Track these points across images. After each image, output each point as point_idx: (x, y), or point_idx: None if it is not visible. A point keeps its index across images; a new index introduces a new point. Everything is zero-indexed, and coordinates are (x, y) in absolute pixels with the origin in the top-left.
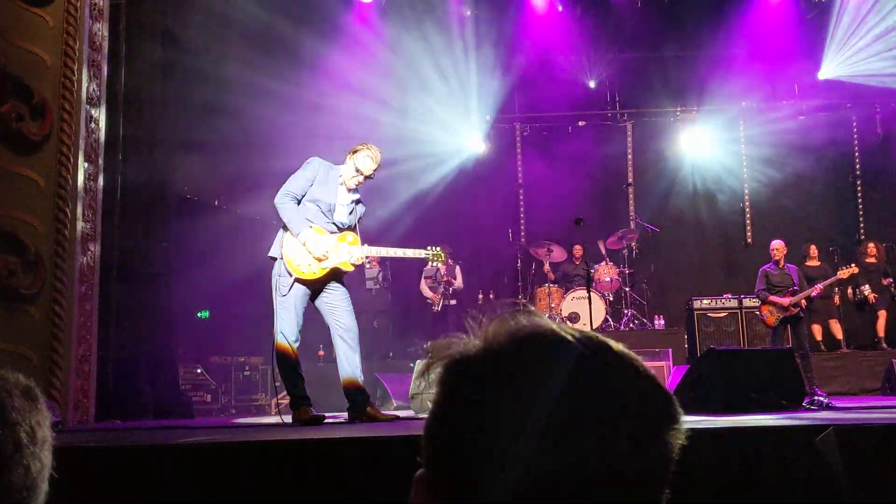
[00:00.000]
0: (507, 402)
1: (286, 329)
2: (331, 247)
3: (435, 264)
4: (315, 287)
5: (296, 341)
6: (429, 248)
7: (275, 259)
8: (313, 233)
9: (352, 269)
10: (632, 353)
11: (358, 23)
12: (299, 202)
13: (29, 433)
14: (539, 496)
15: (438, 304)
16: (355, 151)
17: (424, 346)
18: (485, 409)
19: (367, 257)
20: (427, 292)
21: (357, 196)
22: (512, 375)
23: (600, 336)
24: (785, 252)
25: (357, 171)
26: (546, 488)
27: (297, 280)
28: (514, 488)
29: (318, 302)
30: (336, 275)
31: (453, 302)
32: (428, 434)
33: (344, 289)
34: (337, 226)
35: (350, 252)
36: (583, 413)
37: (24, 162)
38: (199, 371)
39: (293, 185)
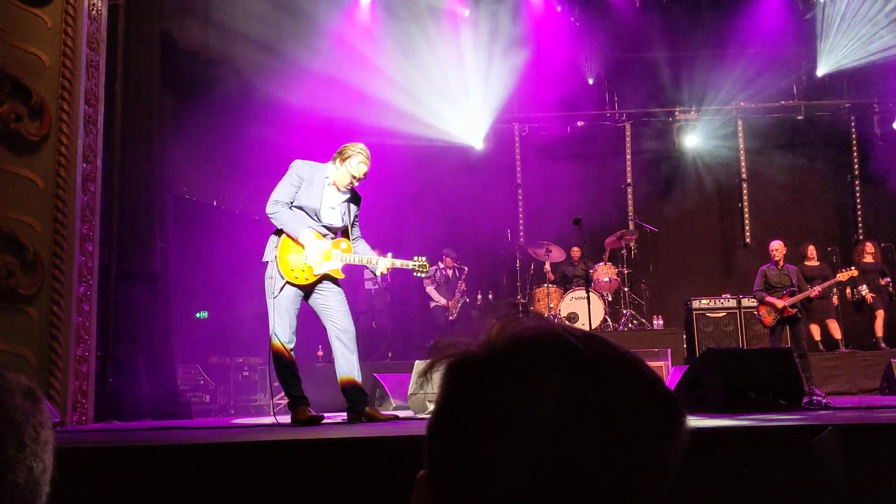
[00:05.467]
0: (509, 403)
1: (279, 331)
2: (324, 253)
3: (419, 275)
4: (307, 289)
5: (290, 342)
6: (415, 258)
7: (267, 263)
8: (313, 234)
9: (343, 276)
10: (636, 356)
11: (356, 23)
12: (290, 208)
13: (31, 433)
14: (541, 498)
15: (454, 311)
16: (347, 157)
17: (426, 344)
18: (487, 410)
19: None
20: (436, 296)
21: (348, 196)
22: (515, 377)
23: (604, 338)
24: (784, 252)
25: (353, 177)
26: (548, 490)
27: (288, 283)
28: (516, 490)
29: (312, 303)
30: (329, 276)
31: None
32: (430, 434)
33: (339, 289)
34: (328, 228)
35: (342, 258)
36: (585, 415)
37: (22, 162)
38: (197, 371)
39: (280, 192)
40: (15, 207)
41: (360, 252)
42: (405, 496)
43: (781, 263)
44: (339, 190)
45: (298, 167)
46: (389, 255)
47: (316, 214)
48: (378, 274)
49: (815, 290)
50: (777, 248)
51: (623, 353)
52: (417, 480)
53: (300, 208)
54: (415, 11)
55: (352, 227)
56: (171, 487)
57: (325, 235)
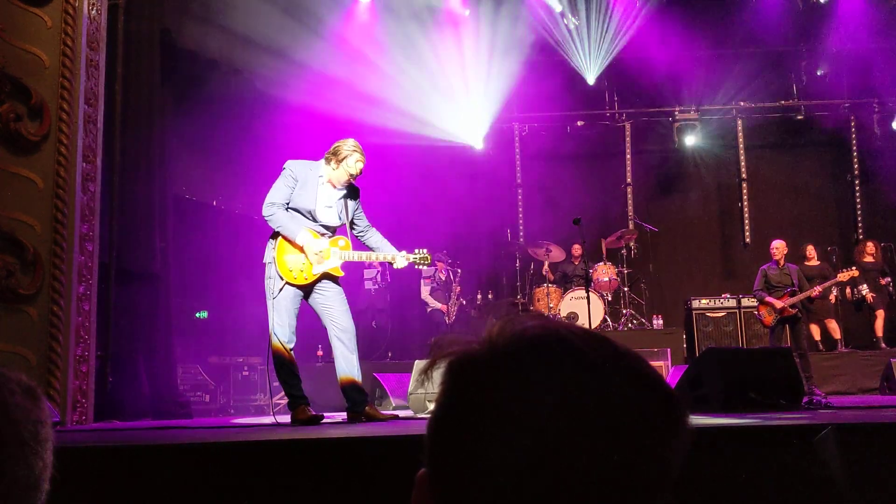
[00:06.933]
0: (509, 403)
1: (279, 331)
2: (323, 251)
3: (421, 267)
4: (307, 289)
5: (289, 342)
6: (416, 251)
7: (267, 264)
8: (310, 235)
9: (342, 273)
10: (637, 355)
11: (355, 23)
12: (286, 209)
13: (31, 431)
14: (541, 498)
15: (451, 314)
16: (343, 157)
17: (426, 344)
18: (487, 409)
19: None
20: (433, 301)
21: (344, 192)
22: (516, 377)
23: (606, 337)
24: (785, 252)
25: (351, 175)
26: (548, 490)
27: (288, 283)
28: (516, 489)
29: (312, 303)
30: (329, 275)
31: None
32: (430, 433)
33: (339, 288)
34: (325, 227)
35: (341, 256)
36: (586, 416)
37: (22, 162)
38: (197, 371)
39: (275, 194)
40: (15, 207)
41: (375, 244)
42: (405, 496)
43: (782, 263)
44: (335, 187)
45: (292, 167)
46: (404, 252)
47: (311, 214)
48: (397, 267)
49: (816, 290)
50: (778, 247)
51: (624, 352)
52: (417, 479)
53: (295, 210)
54: (415, 11)
55: (356, 220)
56: (170, 487)
57: (322, 234)
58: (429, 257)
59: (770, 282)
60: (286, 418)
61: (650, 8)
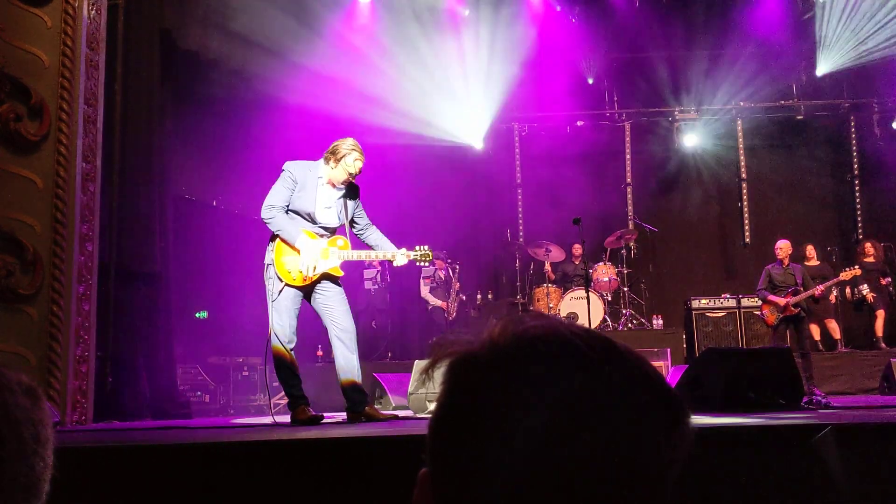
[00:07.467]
0: (510, 402)
1: (279, 332)
2: (321, 252)
3: (422, 264)
4: (307, 289)
5: (290, 342)
6: (416, 247)
7: (267, 265)
8: (308, 239)
9: (342, 273)
10: (640, 355)
11: (355, 23)
12: (286, 211)
13: (32, 432)
14: (542, 497)
15: (451, 312)
16: (342, 157)
17: (426, 344)
18: (488, 409)
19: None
20: (433, 299)
21: (343, 191)
22: (517, 376)
23: (607, 337)
24: (790, 252)
25: (350, 174)
26: (549, 489)
27: (288, 285)
28: (517, 489)
29: (313, 303)
30: (328, 276)
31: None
32: (431, 433)
33: (339, 288)
34: (325, 229)
35: (340, 256)
36: (587, 416)
37: (22, 162)
38: (197, 371)
39: (275, 197)
40: (14, 207)
41: (375, 242)
42: (405, 495)
43: (787, 262)
44: (334, 187)
45: (291, 169)
46: (404, 249)
47: (311, 216)
48: (398, 265)
49: (819, 289)
50: (782, 247)
51: (627, 352)
52: (419, 478)
53: (295, 212)
54: (415, 11)
55: (356, 219)
56: (170, 487)
57: (322, 236)
58: (430, 254)
59: (774, 281)
60: (286, 418)
61: (650, 7)
